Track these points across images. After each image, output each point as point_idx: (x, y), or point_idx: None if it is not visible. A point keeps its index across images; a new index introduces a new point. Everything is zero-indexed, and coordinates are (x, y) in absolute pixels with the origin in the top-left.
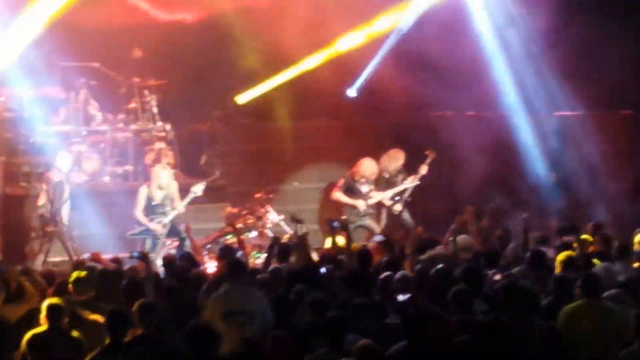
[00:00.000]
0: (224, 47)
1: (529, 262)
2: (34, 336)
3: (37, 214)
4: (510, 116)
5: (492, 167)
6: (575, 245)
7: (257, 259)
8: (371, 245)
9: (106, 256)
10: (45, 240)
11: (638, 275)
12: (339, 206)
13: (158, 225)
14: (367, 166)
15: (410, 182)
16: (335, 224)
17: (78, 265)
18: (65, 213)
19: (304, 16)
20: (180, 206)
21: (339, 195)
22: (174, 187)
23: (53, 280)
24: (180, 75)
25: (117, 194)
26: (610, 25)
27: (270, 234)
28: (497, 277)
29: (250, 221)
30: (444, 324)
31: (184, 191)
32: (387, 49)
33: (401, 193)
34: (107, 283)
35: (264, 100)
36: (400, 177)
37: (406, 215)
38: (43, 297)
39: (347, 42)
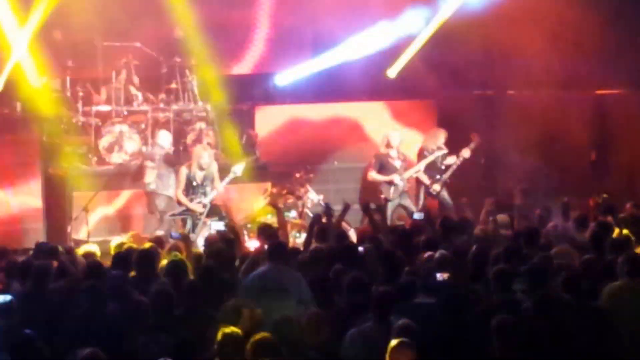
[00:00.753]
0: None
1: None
2: None
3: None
4: (555, 96)
5: (532, 147)
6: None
7: (297, 239)
8: (409, 223)
9: (145, 236)
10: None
11: None
12: (376, 185)
13: (198, 205)
14: (392, 134)
15: (450, 161)
16: (372, 205)
17: (119, 245)
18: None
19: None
20: (220, 186)
21: (373, 175)
22: (214, 168)
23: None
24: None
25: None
26: None
27: (310, 213)
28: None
29: (290, 201)
30: (483, 304)
31: (224, 171)
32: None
33: (441, 172)
34: (147, 263)
35: (304, 81)
36: (441, 156)
37: (445, 195)
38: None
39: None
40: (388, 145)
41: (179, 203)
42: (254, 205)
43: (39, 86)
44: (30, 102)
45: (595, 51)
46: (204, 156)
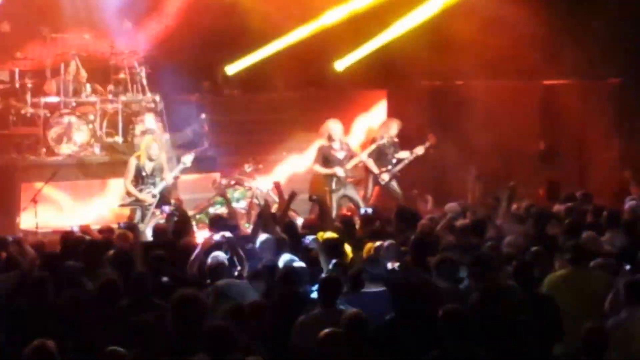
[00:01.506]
0: (213, 17)
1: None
2: None
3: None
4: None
5: (481, 137)
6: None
7: (247, 229)
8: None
9: (95, 227)
10: None
11: (627, 244)
12: (321, 177)
13: (147, 196)
14: (332, 126)
15: (403, 155)
16: (314, 197)
17: (66, 236)
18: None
19: None
20: (169, 177)
21: (316, 167)
22: (163, 158)
23: (43, 251)
24: (170, 46)
25: (106, 164)
26: None
27: (259, 203)
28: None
29: (239, 191)
30: (432, 292)
31: (173, 162)
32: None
33: (391, 164)
34: (95, 254)
35: (253, 71)
36: (392, 148)
37: (394, 185)
38: (32, 268)
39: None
40: (330, 138)
41: (128, 194)
42: (203, 196)
43: None
44: None
45: (542, 42)
46: (153, 147)
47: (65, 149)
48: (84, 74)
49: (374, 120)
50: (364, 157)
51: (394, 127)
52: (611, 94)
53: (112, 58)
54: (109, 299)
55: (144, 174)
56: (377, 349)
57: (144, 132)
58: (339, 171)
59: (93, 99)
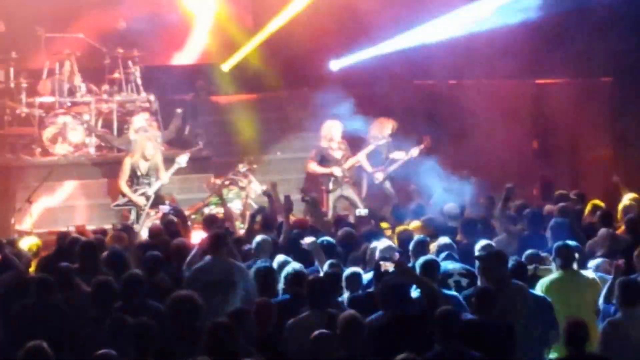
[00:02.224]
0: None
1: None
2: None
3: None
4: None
5: (474, 137)
6: None
7: (241, 229)
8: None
9: (90, 227)
10: None
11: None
12: (317, 178)
13: (142, 197)
14: (330, 127)
15: (397, 156)
16: (306, 198)
17: (62, 237)
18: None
19: None
20: (165, 177)
21: (313, 167)
22: (158, 158)
23: (38, 252)
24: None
25: (101, 164)
26: None
27: (253, 204)
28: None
29: (233, 191)
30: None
31: (168, 162)
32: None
33: (385, 163)
34: (90, 255)
35: (247, 71)
36: (386, 148)
37: (387, 185)
38: (27, 269)
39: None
40: (328, 137)
41: (123, 194)
42: (197, 196)
43: None
44: None
45: (535, 41)
46: (148, 147)
47: (60, 149)
48: (78, 74)
49: (367, 120)
50: (362, 157)
51: (389, 127)
52: (604, 92)
53: (107, 58)
54: (103, 300)
55: (139, 173)
56: (370, 350)
57: (137, 131)
58: (337, 171)
59: (88, 98)
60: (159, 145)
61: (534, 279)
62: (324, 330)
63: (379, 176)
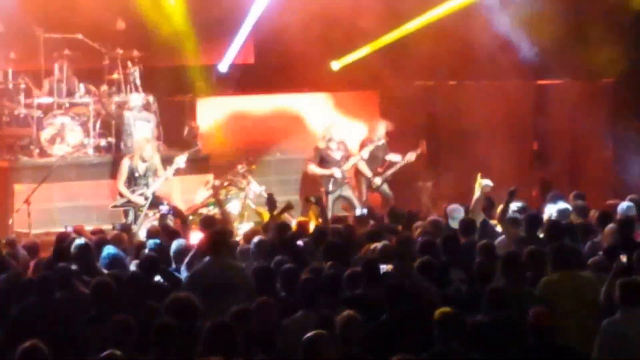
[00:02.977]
0: (207, 15)
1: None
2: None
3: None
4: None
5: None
6: None
7: (239, 230)
8: (353, 217)
9: (89, 228)
10: None
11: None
12: (316, 178)
13: (140, 197)
14: (329, 127)
15: (394, 158)
16: (312, 198)
17: (62, 237)
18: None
19: None
20: (163, 177)
21: (312, 168)
22: (156, 159)
23: (36, 253)
24: (164, 46)
25: (99, 165)
26: None
27: (252, 204)
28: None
29: (232, 192)
30: (426, 295)
31: (166, 162)
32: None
33: (383, 166)
34: (88, 256)
35: (246, 72)
36: (383, 150)
37: (385, 188)
38: (26, 269)
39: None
40: (328, 138)
41: (121, 195)
42: (196, 197)
43: None
44: None
45: (537, 41)
46: (147, 148)
47: (59, 149)
48: (77, 74)
49: (368, 120)
50: (364, 155)
51: (382, 128)
52: (605, 94)
53: (106, 58)
54: (101, 300)
55: (136, 174)
56: (369, 351)
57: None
58: (337, 172)
59: (86, 99)
60: (157, 146)
61: None
62: (319, 331)
63: (377, 181)
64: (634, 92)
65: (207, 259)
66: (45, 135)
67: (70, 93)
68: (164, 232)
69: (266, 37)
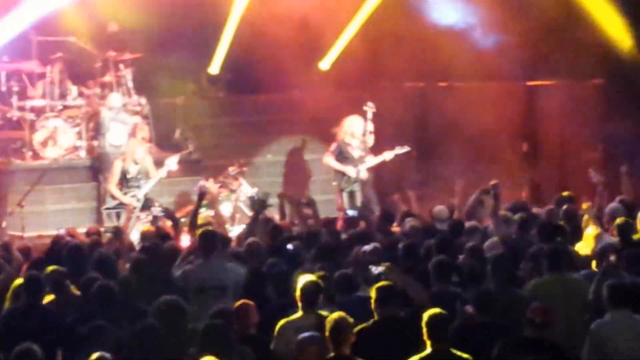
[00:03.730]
0: (198, 19)
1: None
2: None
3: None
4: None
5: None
6: None
7: (230, 232)
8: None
9: (81, 231)
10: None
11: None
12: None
13: (132, 199)
14: (351, 122)
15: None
16: (303, 201)
17: (56, 240)
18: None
19: None
20: (154, 179)
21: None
22: (148, 161)
23: (29, 256)
24: (155, 48)
25: (92, 168)
26: None
27: (243, 207)
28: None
29: (224, 194)
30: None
31: (158, 165)
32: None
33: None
34: (80, 258)
35: (237, 73)
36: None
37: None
38: (19, 272)
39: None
40: (349, 132)
41: (113, 197)
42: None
43: None
44: None
45: (525, 43)
46: (139, 151)
47: (51, 152)
48: (69, 77)
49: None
50: (388, 157)
51: (355, 122)
52: (595, 94)
53: (98, 61)
54: (94, 302)
55: (128, 176)
56: (359, 352)
57: (129, 136)
58: (351, 171)
59: (79, 102)
60: (149, 149)
61: None
62: (312, 333)
63: (363, 169)
64: (624, 93)
65: (199, 260)
66: (38, 138)
67: (63, 95)
68: (158, 234)
69: (254, 39)
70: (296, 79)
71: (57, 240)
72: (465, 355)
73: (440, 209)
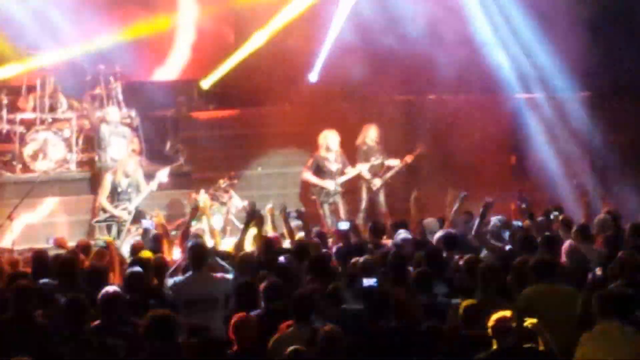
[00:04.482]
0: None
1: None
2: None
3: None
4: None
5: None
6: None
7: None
8: (334, 230)
9: (71, 244)
10: None
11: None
12: (308, 186)
13: (123, 212)
14: (326, 136)
15: (392, 163)
16: (292, 214)
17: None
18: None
19: None
20: (145, 192)
21: (307, 176)
22: (139, 174)
23: (17, 269)
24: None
25: (82, 181)
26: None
27: (234, 219)
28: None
29: (215, 207)
30: (408, 309)
31: (149, 178)
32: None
33: (384, 171)
34: (69, 271)
35: (228, 87)
36: (378, 153)
37: (381, 197)
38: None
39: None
40: (326, 147)
41: (104, 210)
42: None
43: None
44: None
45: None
46: (129, 163)
47: (41, 165)
48: (59, 90)
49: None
50: (364, 171)
51: (371, 130)
52: (583, 107)
53: (88, 73)
54: (77, 317)
55: (119, 190)
56: None
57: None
58: (330, 185)
59: (69, 115)
60: (140, 162)
61: None
62: (298, 347)
63: (377, 182)
64: (611, 106)
65: (189, 272)
66: (27, 150)
67: (53, 108)
68: (149, 247)
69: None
70: (286, 92)
71: (40, 253)
72: None
73: (430, 220)
